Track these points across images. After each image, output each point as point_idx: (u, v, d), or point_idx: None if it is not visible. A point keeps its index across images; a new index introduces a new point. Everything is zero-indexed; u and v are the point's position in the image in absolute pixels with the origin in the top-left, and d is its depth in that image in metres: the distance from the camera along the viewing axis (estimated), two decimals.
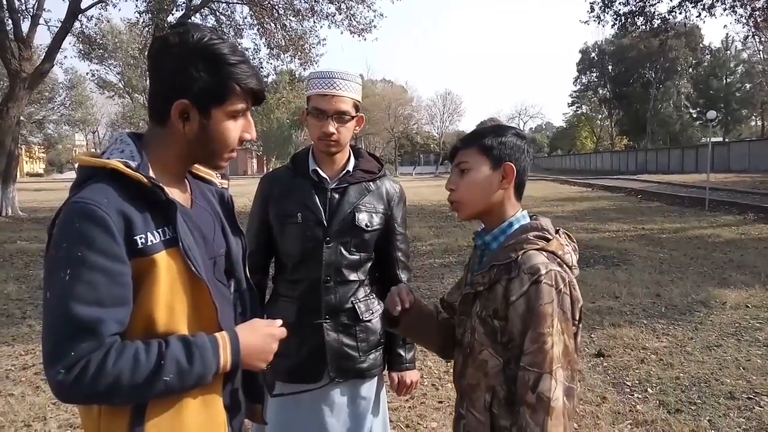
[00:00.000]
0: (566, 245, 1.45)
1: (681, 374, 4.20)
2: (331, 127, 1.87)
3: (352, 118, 1.92)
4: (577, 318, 1.37)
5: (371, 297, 2.05)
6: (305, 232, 1.93)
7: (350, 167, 2.00)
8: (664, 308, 5.89)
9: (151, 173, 1.16)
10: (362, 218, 1.96)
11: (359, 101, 1.95)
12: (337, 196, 1.96)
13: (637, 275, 7.38)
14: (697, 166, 35.33)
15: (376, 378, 2.11)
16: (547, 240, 1.40)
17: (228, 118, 1.19)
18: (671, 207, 16.24)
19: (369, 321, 2.02)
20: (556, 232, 1.47)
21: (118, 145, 1.19)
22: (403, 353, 2.13)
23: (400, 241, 2.10)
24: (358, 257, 1.98)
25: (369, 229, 1.97)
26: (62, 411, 3.71)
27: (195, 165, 1.33)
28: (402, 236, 2.11)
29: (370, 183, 2.02)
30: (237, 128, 1.22)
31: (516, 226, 1.46)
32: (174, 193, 1.21)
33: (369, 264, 2.04)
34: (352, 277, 1.98)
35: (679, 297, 6.27)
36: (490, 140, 1.46)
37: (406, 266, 2.12)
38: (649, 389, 3.97)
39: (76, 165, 1.20)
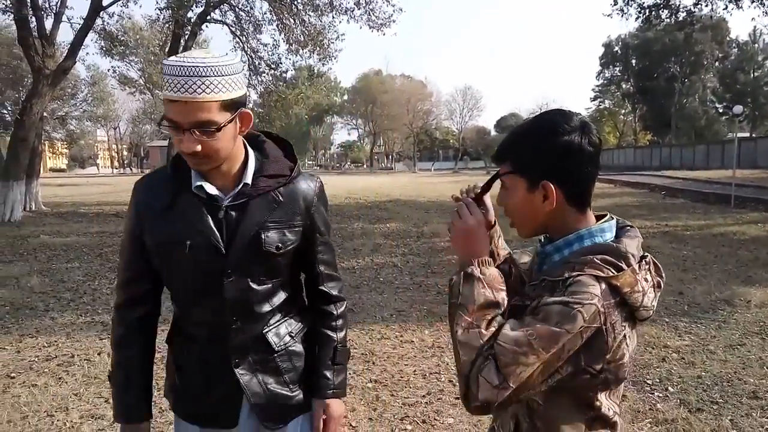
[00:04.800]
0: (644, 281, 1.14)
1: (703, 373, 4.12)
2: (191, 144, 1.34)
3: (221, 126, 1.35)
4: (613, 376, 1.12)
5: (288, 317, 1.64)
6: (197, 265, 1.48)
7: (248, 178, 1.49)
8: (687, 306, 5.79)
9: None
10: (272, 239, 1.50)
11: (236, 98, 1.37)
12: (234, 214, 1.48)
13: None
14: (722, 162, 34.65)
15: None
16: (618, 269, 1.11)
17: None
18: (696, 204, 15.97)
19: (288, 345, 1.63)
20: (642, 259, 1.17)
21: None
22: (330, 375, 1.66)
23: (323, 251, 1.67)
24: (270, 285, 1.56)
25: (280, 251, 1.53)
26: (84, 402, 3.77)
27: None
28: (324, 246, 1.67)
29: (280, 190, 1.53)
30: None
31: (586, 242, 1.18)
32: None
33: (286, 288, 1.63)
34: (265, 309, 1.57)
35: (703, 295, 6.16)
36: (520, 154, 1.19)
37: (332, 277, 1.71)
38: (670, 388, 3.90)
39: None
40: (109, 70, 22.25)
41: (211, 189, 1.47)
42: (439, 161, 76.72)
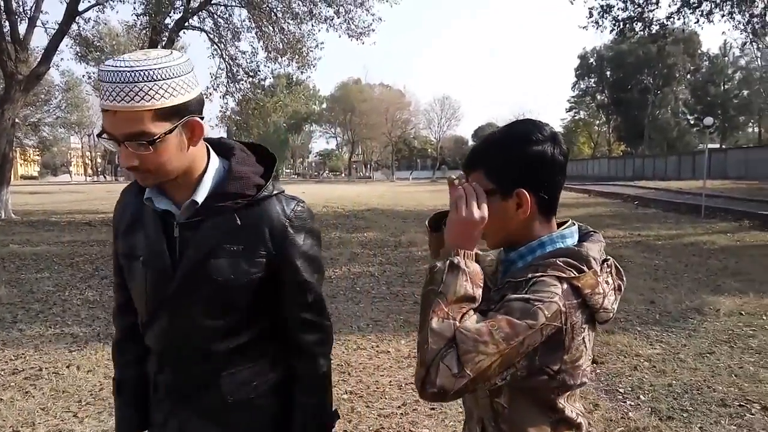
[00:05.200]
0: (606, 283, 1.16)
1: (673, 381, 4.19)
2: (127, 159, 1.20)
3: (156, 139, 1.17)
4: (570, 378, 1.14)
5: (254, 364, 1.39)
6: (148, 283, 1.34)
7: (199, 195, 1.29)
8: (659, 315, 5.88)
9: None
10: (221, 268, 1.29)
11: (178, 104, 1.18)
12: (188, 233, 1.31)
13: (632, 282, 7.36)
14: (693, 173, 35.47)
15: None
16: (580, 271, 1.13)
17: None
18: (667, 213, 16.27)
19: (248, 397, 1.38)
20: (603, 263, 1.19)
21: None
22: None
23: (300, 292, 1.38)
24: (223, 322, 1.33)
25: (233, 284, 1.30)
26: (51, 417, 3.68)
27: None
28: (303, 286, 1.38)
29: (241, 212, 1.31)
30: None
31: (548, 248, 1.20)
32: None
33: (248, 329, 1.38)
34: (218, 348, 1.35)
35: (674, 304, 6.27)
36: (494, 162, 1.19)
37: (312, 325, 1.41)
38: (641, 396, 3.95)
39: None
40: (84, 75, 21.88)
41: (160, 204, 1.32)
42: (417, 170, 77.00)
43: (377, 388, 4.15)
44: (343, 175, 79.85)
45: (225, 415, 1.37)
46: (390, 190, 33.52)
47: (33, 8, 14.60)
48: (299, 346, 1.42)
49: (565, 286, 1.10)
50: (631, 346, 4.92)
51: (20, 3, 14.57)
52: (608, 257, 1.22)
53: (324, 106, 74.47)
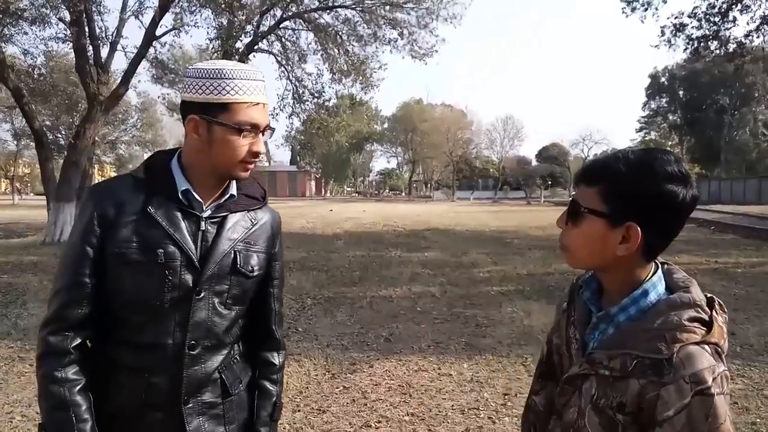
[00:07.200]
0: (724, 324, 1.10)
1: (758, 419, 3.89)
2: (263, 144, 1.42)
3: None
4: None
5: (238, 361, 1.52)
6: (167, 277, 1.34)
7: (234, 190, 1.47)
8: (740, 348, 5.51)
9: None
10: (245, 260, 1.44)
11: None
12: (212, 228, 1.41)
13: None
14: None
15: None
16: (706, 325, 1.05)
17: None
18: (747, 240, 15.35)
19: (237, 394, 1.49)
20: (709, 303, 1.10)
21: None
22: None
23: (278, 285, 1.60)
24: (234, 313, 1.45)
25: (252, 274, 1.46)
26: None
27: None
28: (280, 280, 1.61)
29: (254, 212, 1.51)
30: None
31: (653, 296, 1.10)
32: None
33: (241, 323, 1.52)
34: (227, 340, 1.45)
35: (756, 336, 5.86)
36: (617, 185, 1.06)
37: (281, 317, 1.64)
38: None
39: None
40: (159, 96, 22.97)
41: (196, 195, 1.41)
42: (478, 190, 76.26)
43: (439, 411, 4.06)
44: (403, 194, 80.00)
45: (220, 410, 1.45)
46: (451, 210, 33.28)
47: (114, 34, 15.48)
48: (272, 339, 1.60)
49: (708, 348, 1.03)
50: None
51: (103, 29, 15.50)
52: (712, 296, 1.13)
53: (386, 125, 75.16)
